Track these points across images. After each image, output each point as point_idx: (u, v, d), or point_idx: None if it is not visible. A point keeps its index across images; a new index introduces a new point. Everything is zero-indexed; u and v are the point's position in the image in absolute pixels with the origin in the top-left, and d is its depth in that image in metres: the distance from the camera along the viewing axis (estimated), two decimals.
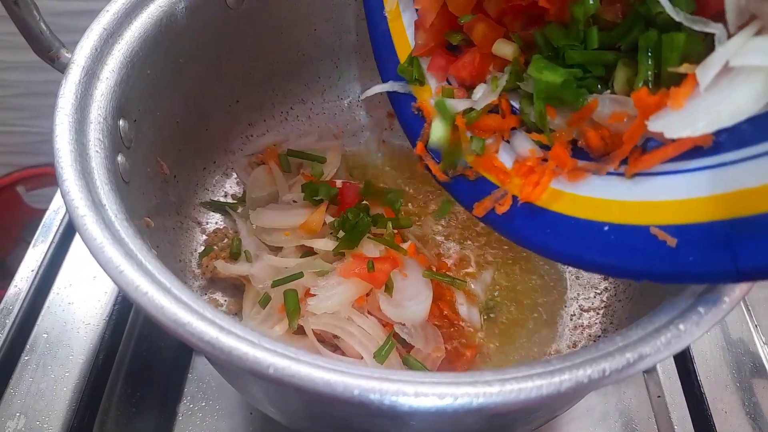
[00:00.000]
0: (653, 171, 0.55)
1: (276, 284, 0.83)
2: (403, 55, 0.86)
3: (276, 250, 0.93)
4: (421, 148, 0.81)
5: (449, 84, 0.79)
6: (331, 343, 0.81)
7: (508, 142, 0.71)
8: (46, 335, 0.92)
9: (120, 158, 0.68)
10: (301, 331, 0.80)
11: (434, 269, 0.91)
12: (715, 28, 0.50)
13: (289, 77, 1.07)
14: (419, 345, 0.81)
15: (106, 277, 0.52)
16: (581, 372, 0.47)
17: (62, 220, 1.05)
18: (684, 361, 0.92)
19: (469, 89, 0.76)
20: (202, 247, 0.94)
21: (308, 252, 0.90)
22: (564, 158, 0.63)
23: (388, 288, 0.81)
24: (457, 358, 0.85)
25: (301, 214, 0.93)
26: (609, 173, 0.59)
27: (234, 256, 0.92)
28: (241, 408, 0.87)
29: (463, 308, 0.89)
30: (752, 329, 0.97)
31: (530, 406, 0.47)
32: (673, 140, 0.53)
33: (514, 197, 0.67)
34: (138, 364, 0.92)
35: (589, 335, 0.88)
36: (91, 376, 0.88)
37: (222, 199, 1.01)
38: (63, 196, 0.55)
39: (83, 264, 1.00)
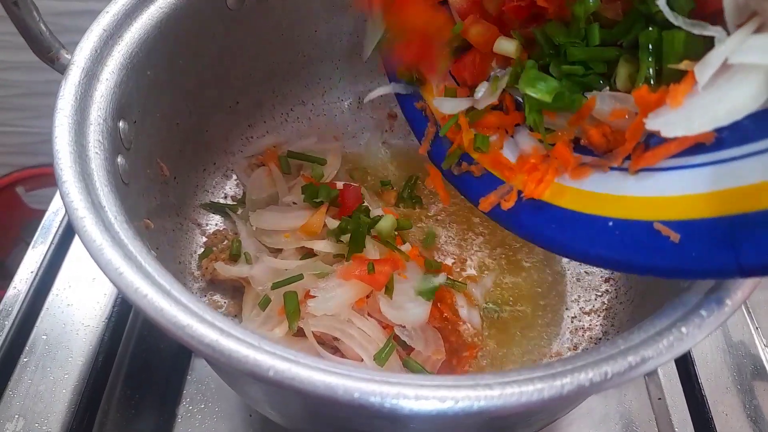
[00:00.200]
0: (657, 167, 0.55)
1: (276, 286, 0.83)
2: None
3: (276, 251, 0.93)
4: (425, 148, 0.82)
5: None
6: (331, 345, 0.81)
7: (513, 136, 0.71)
8: (45, 337, 0.92)
9: (120, 160, 0.67)
10: (301, 333, 0.80)
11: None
12: (714, 32, 0.50)
13: (289, 78, 1.07)
14: (419, 347, 0.80)
15: (105, 278, 0.52)
16: (583, 375, 0.46)
17: (62, 221, 1.05)
18: (685, 364, 0.92)
19: (471, 88, 0.76)
20: (202, 249, 0.94)
21: (308, 254, 0.90)
22: (566, 157, 0.63)
23: (389, 290, 0.81)
24: (458, 361, 0.84)
25: (301, 216, 0.93)
26: (613, 169, 0.60)
27: (234, 257, 0.92)
28: (240, 410, 0.87)
29: (464, 310, 0.88)
30: (753, 332, 0.97)
31: (531, 410, 0.46)
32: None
33: (519, 192, 0.67)
34: (137, 365, 0.92)
35: (590, 337, 0.88)
36: (90, 378, 0.87)
37: (222, 201, 1.01)
38: (62, 198, 0.55)
39: (83, 265, 1.00)
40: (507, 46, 0.70)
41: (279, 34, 1.00)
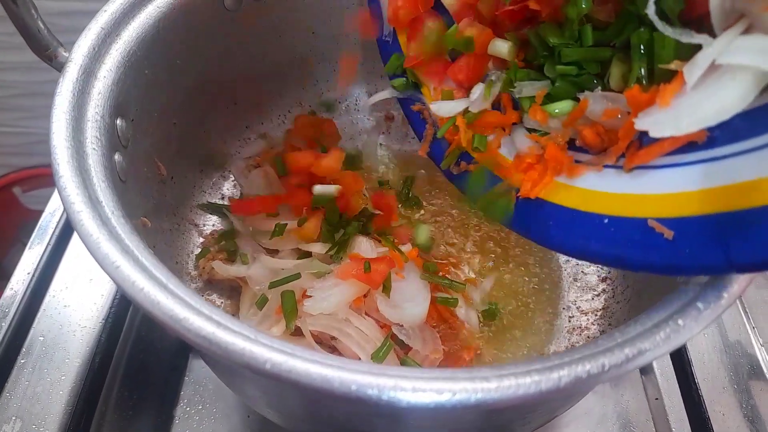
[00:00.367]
0: (651, 165, 0.56)
1: (273, 285, 0.83)
2: None
3: (273, 252, 0.93)
4: (424, 150, 0.83)
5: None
6: (328, 345, 0.81)
7: (510, 135, 0.72)
8: (42, 338, 0.91)
9: (117, 157, 0.67)
10: (298, 332, 0.80)
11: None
12: (701, 39, 0.51)
13: (286, 80, 1.08)
14: (417, 346, 0.80)
15: (102, 279, 0.52)
16: (580, 367, 0.46)
17: (59, 222, 1.05)
18: (681, 364, 0.92)
19: (467, 89, 0.77)
20: (199, 249, 0.94)
21: (305, 254, 0.90)
22: (559, 158, 0.64)
23: (386, 289, 0.81)
24: (455, 360, 0.84)
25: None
26: (608, 167, 0.60)
27: (231, 257, 0.92)
28: (238, 411, 0.87)
29: (462, 310, 0.88)
30: (750, 331, 0.97)
31: (529, 402, 0.46)
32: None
33: (517, 190, 0.68)
34: (135, 367, 0.92)
35: (587, 337, 0.88)
36: (87, 379, 0.87)
37: (219, 202, 1.01)
38: (59, 193, 0.55)
39: (80, 266, 0.99)
40: (501, 47, 0.71)
41: (276, 35, 1.01)
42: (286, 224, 0.91)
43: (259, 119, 1.08)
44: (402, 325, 0.81)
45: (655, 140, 0.55)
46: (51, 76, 0.64)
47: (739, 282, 0.51)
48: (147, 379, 0.90)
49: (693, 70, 0.50)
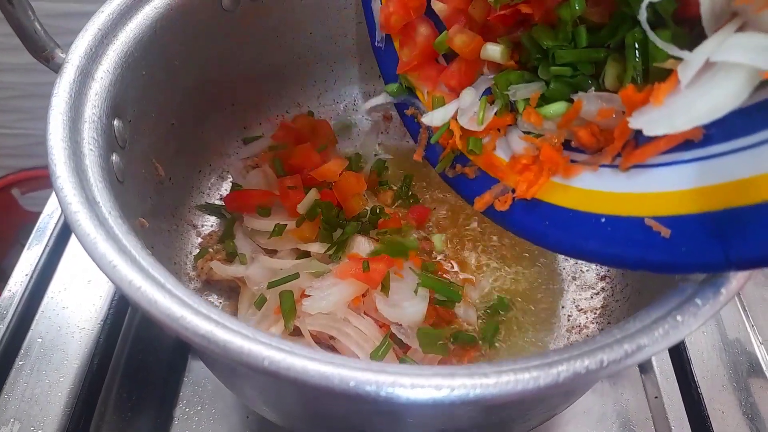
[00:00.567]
0: (647, 163, 0.56)
1: (272, 285, 0.83)
2: None
3: (271, 252, 0.93)
4: (419, 155, 0.84)
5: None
6: (327, 344, 0.81)
7: (505, 136, 0.72)
8: (40, 340, 0.91)
9: (114, 158, 0.67)
10: (297, 332, 0.80)
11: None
12: (683, 54, 0.51)
13: (284, 80, 1.08)
14: (416, 345, 0.80)
15: (101, 281, 0.52)
16: (578, 363, 0.46)
17: (57, 223, 1.05)
18: (681, 362, 0.92)
19: (459, 93, 0.78)
20: (197, 250, 0.94)
21: (304, 253, 0.90)
22: (555, 160, 0.64)
23: (385, 288, 0.81)
24: (454, 359, 0.84)
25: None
26: (604, 166, 0.60)
27: (229, 258, 0.92)
28: (237, 411, 0.87)
29: (460, 309, 0.88)
30: (749, 329, 0.97)
31: (527, 398, 0.46)
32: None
33: (513, 191, 0.68)
34: (133, 368, 0.91)
35: (587, 335, 0.88)
36: (86, 381, 0.87)
37: (217, 202, 1.01)
38: (56, 193, 0.55)
39: (78, 267, 0.99)
40: (493, 51, 0.72)
41: (274, 36, 1.01)
42: (285, 224, 0.91)
43: (257, 120, 1.08)
44: (401, 325, 0.81)
45: (651, 139, 0.55)
46: (48, 78, 0.64)
47: (737, 279, 0.51)
48: (146, 380, 0.90)
49: (687, 69, 0.51)
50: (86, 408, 0.85)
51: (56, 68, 0.66)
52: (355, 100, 1.15)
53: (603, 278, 0.93)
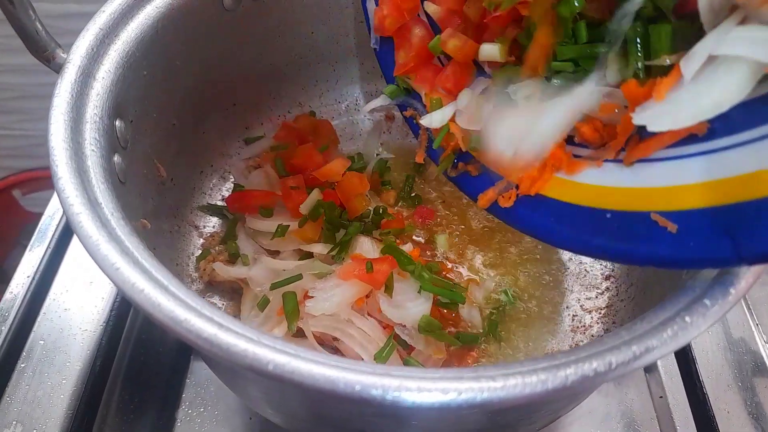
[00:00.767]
0: (652, 158, 0.56)
1: (275, 286, 0.82)
2: None
3: (274, 253, 0.92)
4: (420, 157, 0.84)
5: None
6: (330, 346, 0.81)
7: None
8: (42, 342, 0.91)
9: (116, 158, 0.67)
10: (300, 333, 0.80)
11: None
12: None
13: (286, 80, 1.07)
14: (420, 346, 0.80)
15: (103, 282, 0.51)
16: (587, 365, 0.46)
17: (59, 225, 1.04)
18: (686, 362, 0.92)
19: (456, 95, 0.77)
20: (200, 251, 0.94)
21: (306, 254, 0.90)
22: (558, 155, 0.64)
23: (388, 289, 0.80)
24: (459, 360, 0.84)
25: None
26: (609, 161, 0.60)
27: (232, 259, 0.91)
28: (240, 413, 0.86)
29: (465, 310, 0.88)
30: (753, 328, 0.97)
31: (535, 401, 0.45)
32: None
33: (517, 187, 0.67)
34: (136, 369, 0.91)
35: (591, 336, 0.87)
36: (88, 382, 0.87)
37: (219, 203, 1.01)
38: (58, 194, 0.54)
39: (80, 269, 0.99)
40: (491, 51, 0.71)
41: (276, 35, 1.01)
42: (288, 225, 0.90)
43: (259, 120, 1.08)
44: (405, 326, 0.80)
45: (655, 133, 0.54)
46: (50, 79, 0.64)
47: (746, 278, 0.51)
48: (148, 381, 0.90)
49: (689, 63, 0.50)
50: (88, 410, 0.85)
51: (57, 68, 0.66)
52: (357, 100, 1.14)
53: (608, 278, 0.93)
